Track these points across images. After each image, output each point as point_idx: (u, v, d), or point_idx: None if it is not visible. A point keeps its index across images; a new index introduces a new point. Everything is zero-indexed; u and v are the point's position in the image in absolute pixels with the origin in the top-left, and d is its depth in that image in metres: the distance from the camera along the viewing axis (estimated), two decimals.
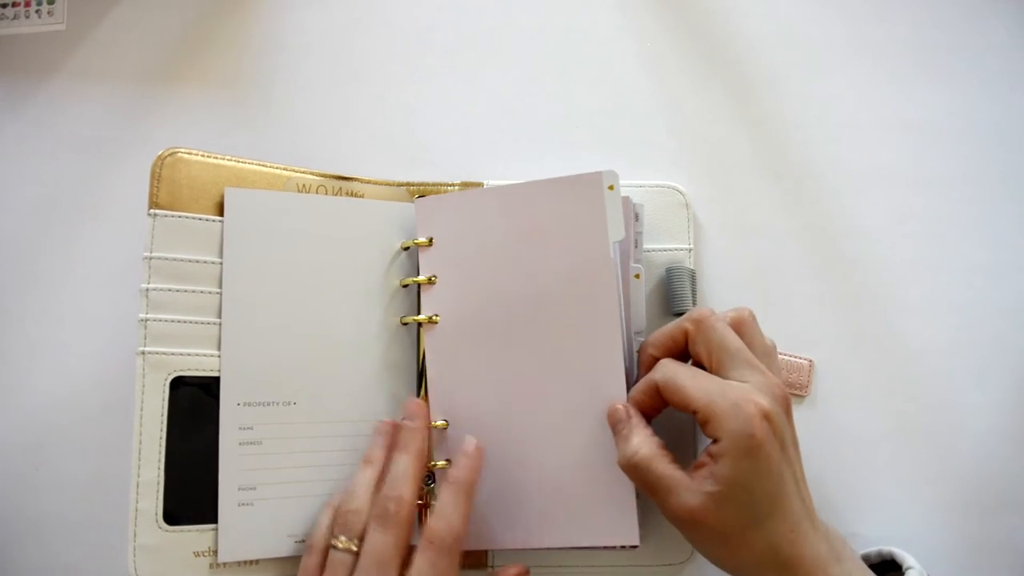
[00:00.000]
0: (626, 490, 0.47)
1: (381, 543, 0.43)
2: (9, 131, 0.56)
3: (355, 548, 0.44)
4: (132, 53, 0.57)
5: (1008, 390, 0.54)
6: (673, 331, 0.46)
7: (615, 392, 0.47)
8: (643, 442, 0.44)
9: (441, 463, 0.49)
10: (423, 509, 0.49)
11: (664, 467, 0.43)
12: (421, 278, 0.50)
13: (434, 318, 0.50)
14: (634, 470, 0.44)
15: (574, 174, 0.49)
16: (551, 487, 0.48)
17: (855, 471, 0.52)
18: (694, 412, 0.42)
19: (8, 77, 0.57)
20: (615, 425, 0.46)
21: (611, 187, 0.48)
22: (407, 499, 0.44)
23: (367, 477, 0.46)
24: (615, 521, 0.47)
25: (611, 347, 0.47)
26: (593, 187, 0.48)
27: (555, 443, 0.48)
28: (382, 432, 0.48)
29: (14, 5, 0.58)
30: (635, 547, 0.49)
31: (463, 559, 0.49)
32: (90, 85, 0.57)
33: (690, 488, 0.42)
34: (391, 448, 0.47)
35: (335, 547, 0.44)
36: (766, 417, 0.41)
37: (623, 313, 0.48)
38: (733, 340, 0.44)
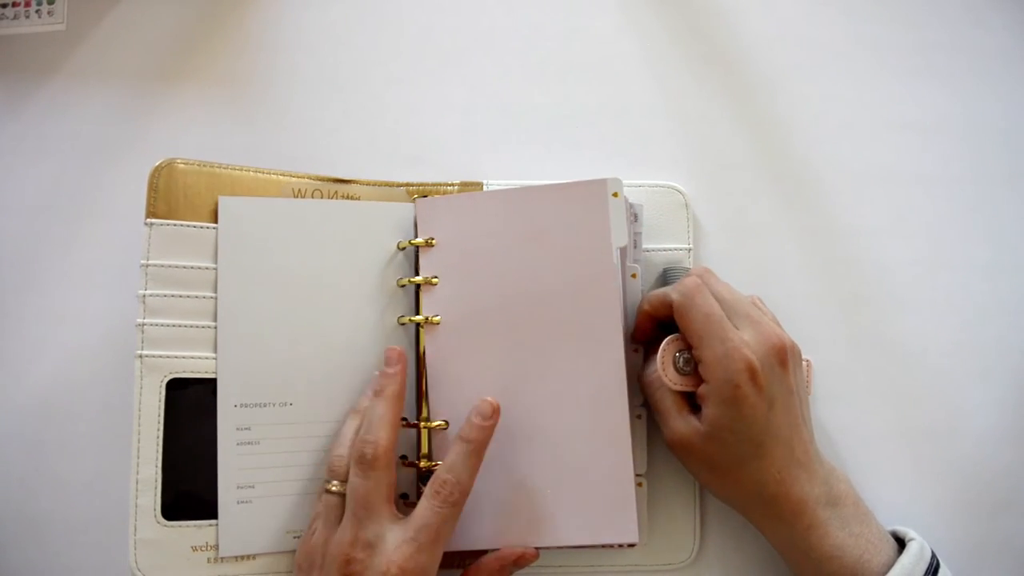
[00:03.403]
0: (626, 488, 0.47)
1: (362, 486, 0.44)
2: (9, 131, 0.57)
3: (343, 490, 0.46)
4: (132, 53, 0.57)
5: (1009, 390, 0.54)
6: (664, 294, 0.48)
7: (615, 394, 0.48)
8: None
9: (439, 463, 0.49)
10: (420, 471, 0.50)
11: (670, 392, 0.47)
12: (420, 278, 0.50)
13: (433, 319, 0.50)
14: (648, 387, 0.48)
15: (579, 180, 0.49)
16: (551, 487, 0.48)
17: (855, 471, 0.52)
18: (693, 345, 0.46)
19: (8, 77, 0.57)
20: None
21: (615, 194, 0.49)
22: (381, 441, 0.45)
23: (353, 426, 0.48)
24: (614, 519, 0.47)
25: (611, 349, 0.48)
26: (597, 193, 0.48)
27: (555, 444, 0.48)
28: (371, 385, 0.49)
29: (14, 5, 0.58)
30: (632, 545, 0.49)
31: (461, 560, 0.49)
32: (90, 85, 0.57)
33: (685, 419, 0.46)
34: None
35: (328, 491, 0.46)
36: (752, 371, 0.44)
37: (623, 313, 0.49)
38: (731, 294, 0.47)
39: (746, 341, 0.45)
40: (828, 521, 0.45)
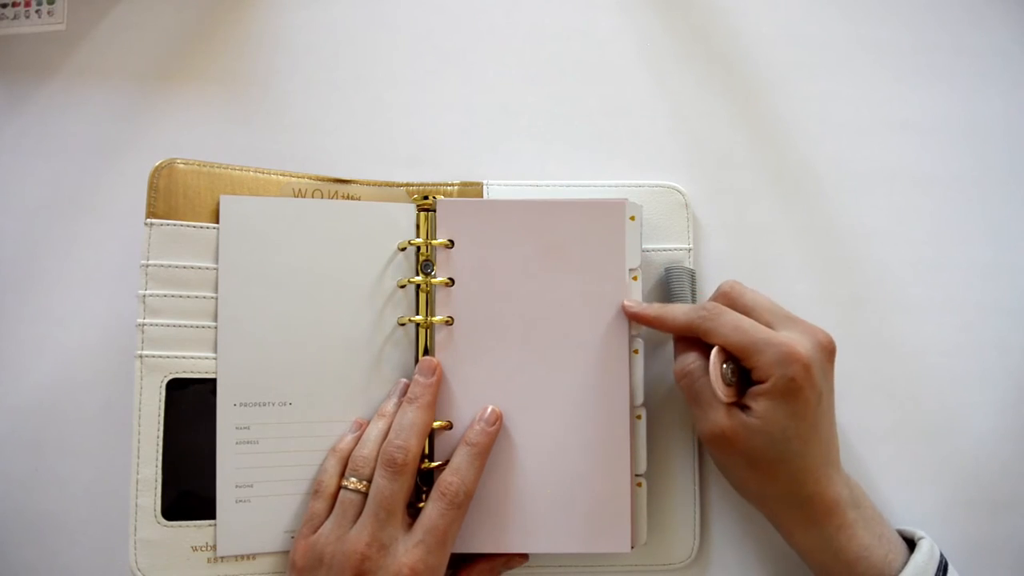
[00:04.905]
0: (622, 498, 0.48)
1: (387, 489, 0.45)
2: (9, 131, 0.57)
3: (364, 489, 0.46)
4: (132, 53, 0.57)
5: (1009, 390, 0.54)
6: (688, 322, 0.48)
7: (617, 406, 0.49)
8: (699, 356, 0.47)
9: (439, 463, 0.49)
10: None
11: (709, 384, 0.46)
12: (440, 280, 0.50)
13: (444, 319, 0.50)
14: (686, 376, 0.47)
15: (599, 199, 0.51)
16: (548, 494, 0.49)
17: (855, 471, 0.52)
18: (741, 356, 0.45)
19: (8, 77, 0.57)
20: (679, 347, 0.49)
21: (632, 217, 0.50)
22: (412, 448, 0.46)
23: (379, 428, 0.48)
24: (608, 529, 0.48)
25: (617, 365, 0.49)
26: (616, 214, 0.50)
27: (555, 452, 0.49)
28: (398, 390, 0.50)
29: (14, 5, 0.58)
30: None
31: (452, 563, 0.49)
32: (90, 85, 0.57)
33: (728, 411, 0.45)
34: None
35: (346, 487, 0.47)
36: (807, 365, 0.44)
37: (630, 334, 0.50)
38: (767, 301, 0.48)
39: (793, 338, 0.45)
40: (855, 522, 0.45)
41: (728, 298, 0.48)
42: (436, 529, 0.45)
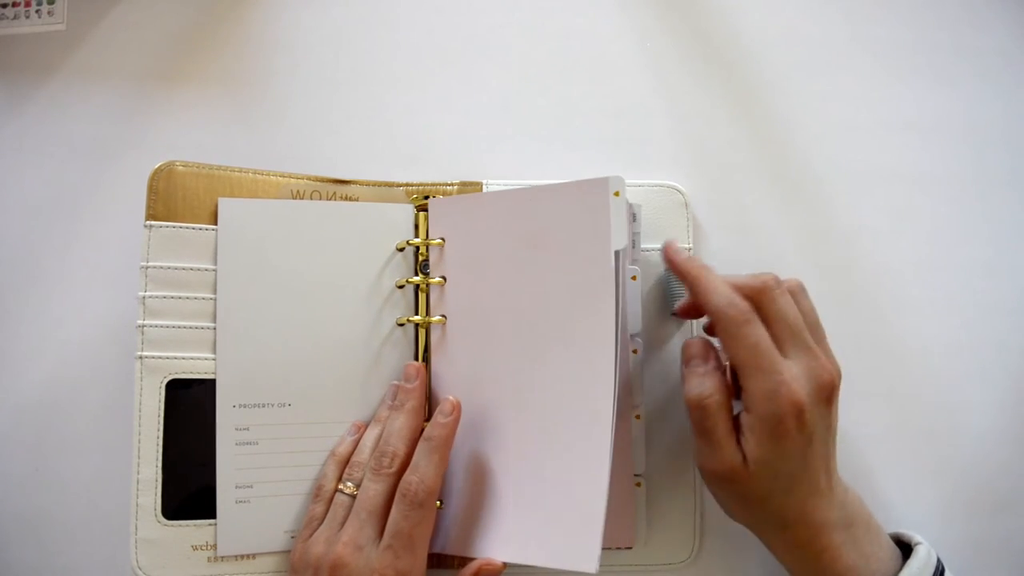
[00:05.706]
0: (595, 515, 0.43)
1: (373, 491, 0.46)
2: (9, 131, 0.56)
3: (356, 493, 0.47)
4: (132, 53, 0.57)
5: (1008, 390, 0.54)
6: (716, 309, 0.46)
7: (601, 406, 0.44)
8: (719, 388, 0.45)
9: None
10: None
11: (725, 420, 0.44)
12: (419, 279, 0.50)
13: (437, 319, 0.50)
14: (702, 410, 0.44)
15: (581, 179, 0.47)
16: (525, 500, 0.46)
17: (855, 471, 0.52)
18: (739, 373, 0.44)
19: (8, 77, 0.57)
20: (691, 359, 0.46)
21: (616, 193, 0.46)
22: (400, 453, 0.46)
23: (375, 434, 0.49)
24: (577, 545, 0.43)
25: (602, 359, 0.45)
26: (599, 192, 0.46)
27: (536, 454, 0.46)
28: (390, 394, 0.50)
29: (14, 5, 0.58)
30: (630, 547, 0.49)
31: (447, 561, 0.49)
32: (90, 85, 0.57)
33: (736, 450, 0.44)
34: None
35: (341, 491, 0.47)
36: (799, 410, 0.43)
37: (619, 320, 0.45)
38: (794, 316, 0.45)
39: (795, 376, 0.43)
40: (842, 544, 0.44)
41: (760, 296, 0.44)
42: (401, 532, 0.44)
